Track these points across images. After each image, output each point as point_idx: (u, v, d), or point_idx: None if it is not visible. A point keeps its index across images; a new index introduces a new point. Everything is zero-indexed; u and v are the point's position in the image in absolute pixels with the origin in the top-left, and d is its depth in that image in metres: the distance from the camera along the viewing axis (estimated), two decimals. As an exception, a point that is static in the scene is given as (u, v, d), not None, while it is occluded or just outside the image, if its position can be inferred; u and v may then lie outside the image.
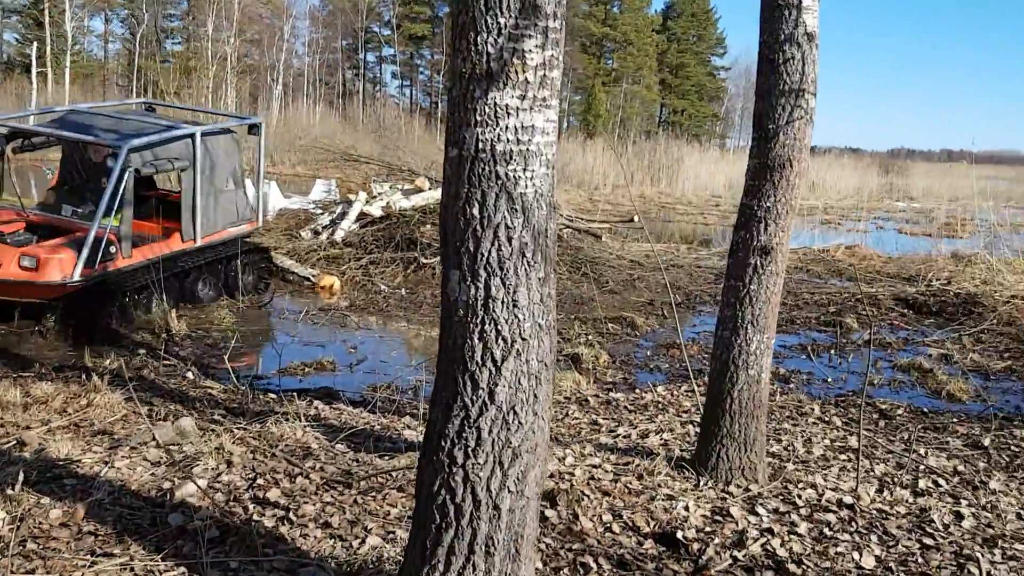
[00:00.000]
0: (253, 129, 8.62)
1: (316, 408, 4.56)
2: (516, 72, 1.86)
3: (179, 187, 7.76)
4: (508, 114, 1.87)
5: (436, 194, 11.18)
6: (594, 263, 10.90)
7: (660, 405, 5.04)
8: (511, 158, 1.90)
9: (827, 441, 4.23)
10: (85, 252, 6.20)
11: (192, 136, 7.29)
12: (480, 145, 1.89)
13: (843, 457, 3.97)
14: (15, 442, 3.48)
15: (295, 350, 6.38)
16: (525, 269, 1.96)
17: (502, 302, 1.96)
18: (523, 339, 2.00)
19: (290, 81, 55.31)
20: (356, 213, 10.93)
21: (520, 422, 2.04)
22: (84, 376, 4.72)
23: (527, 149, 1.91)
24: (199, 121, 8.93)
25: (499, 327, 1.97)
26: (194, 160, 7.31)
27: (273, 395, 4.89)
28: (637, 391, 5.55)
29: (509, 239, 1.92)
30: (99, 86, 46.03)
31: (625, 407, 5.00)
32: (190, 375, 5.20)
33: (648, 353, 7.02)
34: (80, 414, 3.96)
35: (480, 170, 1.90)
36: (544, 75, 1.90)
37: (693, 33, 71.49)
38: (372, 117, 45.67)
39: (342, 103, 58.66)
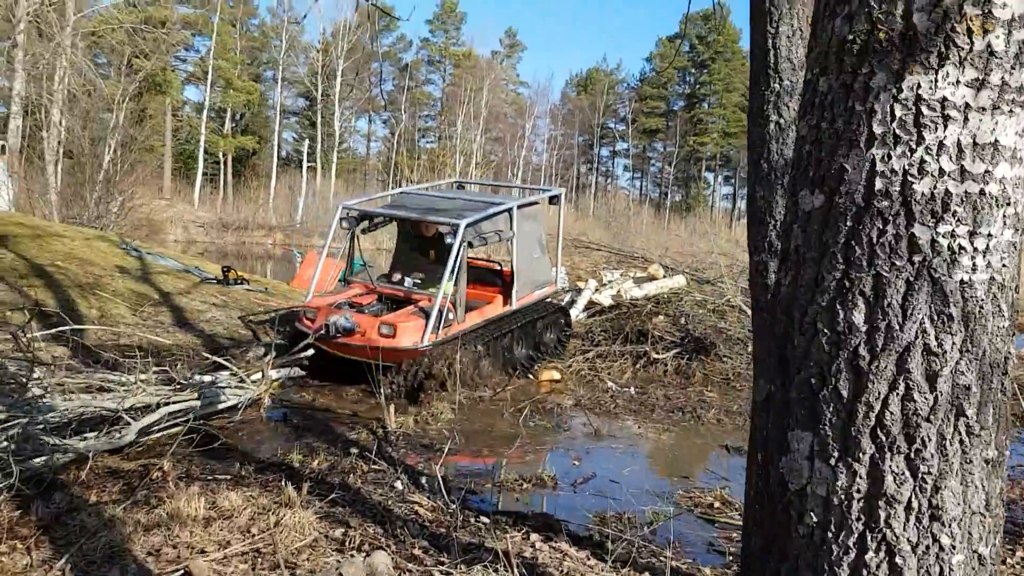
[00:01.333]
0: (554, 200, 9.46)
1: (533, 546, 3.66)
2: (968, 33, 0.89)
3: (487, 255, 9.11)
4: (946, 119, 0.89)
5: (671, 283, 10.21)
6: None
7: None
8: (946, 209, 0.91)
9: None
10: (432, 320, 7.01)
11: (510, 210, 8.15)
12: (877, 183, 0.93)
13: None
14: (182, 572, 2.92)
15: (514, 457, 5.60)
16: (960, 440, 0.94)
17: (907, 507, 0.95)
18: (947, 585, 0.97)
19: (528, 176, 57.77)
20: (585, 302, 10.22)
21: None
22: (284, 481, 4.24)
23: (981, 192, 0.91)
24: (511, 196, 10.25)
25: (898, 557, 0.96)
26: (512, 231, 8.16)
27: (485, 519, 4.08)
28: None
29: (932, 377, 0.93)
30: (360, 179, 51.02)
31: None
32: (398, 485, 4.56)
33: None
34: (265, 536, 3.38)
35: (873, 232, 0.93)
36: (1026, 39, 0.95)
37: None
38: (604, 207, 46.08)
39: (575, 195, 60.10)
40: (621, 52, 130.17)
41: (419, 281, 8.05)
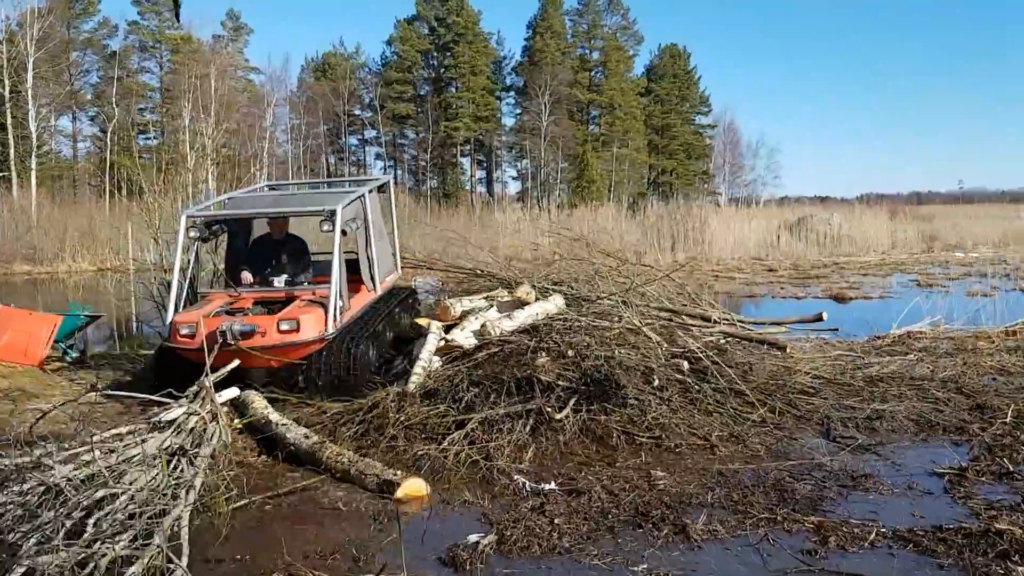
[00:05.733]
0: (382, 188, 9.34)
1: None
2: None
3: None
4: None
5: (548, 306, 7.78)
6: (780, 387, 7.43)
7: None
8: None
9: None
10: (331, 308, 7.02)
11: (363, 196, 8.14)
12: None
13: None
14: None
15: None
16: None
17: None
18: None
19: (274, 170, 52.35)
20: (433, 348, 7.44)
21: None
22: None
23: None
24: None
25: None
26: (365, 216, 8.11)
27: None
28: None
29: None
30: (69, 187, 42.77)
31: None
32: None
33: None
34: None
35: None
36: None
37: (676, 94, 70.31)
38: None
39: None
40: (359, 35, 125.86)
41: (291, 278, 7.91)
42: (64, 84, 46.37)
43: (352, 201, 7.82)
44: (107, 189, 43.58)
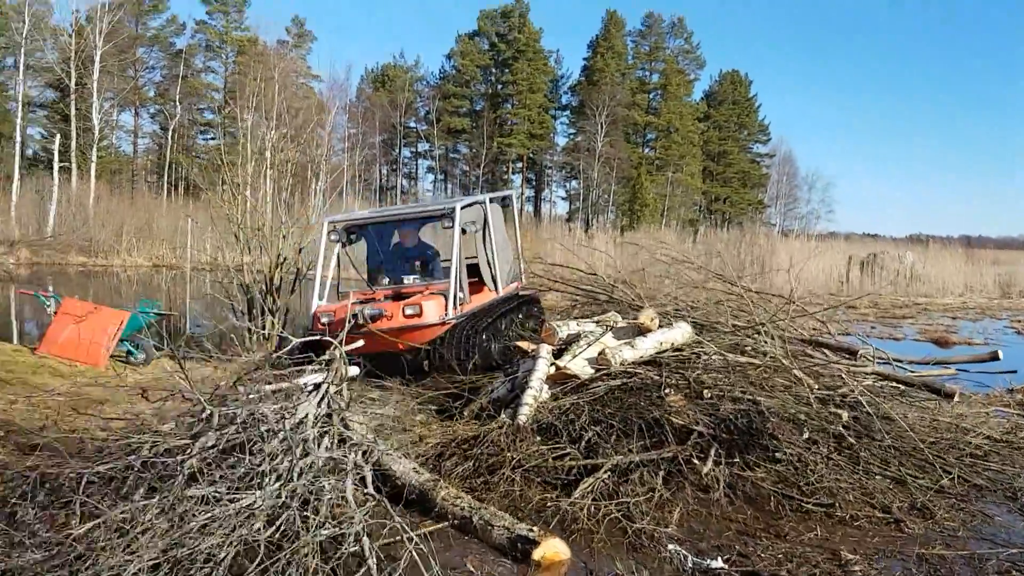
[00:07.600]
0: (505, 200, 9.68)
1: None
2: None
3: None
4: None
5: (674, 335, 6.77)
6: (950, 447, 6.27)
7: None
8: None
9: None
10: (451, 295, 7.72)
11: (484, 202, 8.80)
12: None
13: None
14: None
15: None
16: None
17: None
18: None
19: (328, 177, 52.08)
20: (544, 375, 6.48)
21: None
22: None
23: None
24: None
25: None
26: (485, 221, 8.66)
27: None
28: None
29: None
30: (127, 182, 43.00)
31: None
32: None
33: None
34: None
35: None
36: None
37: (735, 121, 68.80)
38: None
39: (378, 198, 55.72)
40: (419, 47, 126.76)
41: (416, 277, 8.46)
42: (128, 80, 46.81)
43: (471, 204, 8.50)
44: (164, 185, 43.74)
